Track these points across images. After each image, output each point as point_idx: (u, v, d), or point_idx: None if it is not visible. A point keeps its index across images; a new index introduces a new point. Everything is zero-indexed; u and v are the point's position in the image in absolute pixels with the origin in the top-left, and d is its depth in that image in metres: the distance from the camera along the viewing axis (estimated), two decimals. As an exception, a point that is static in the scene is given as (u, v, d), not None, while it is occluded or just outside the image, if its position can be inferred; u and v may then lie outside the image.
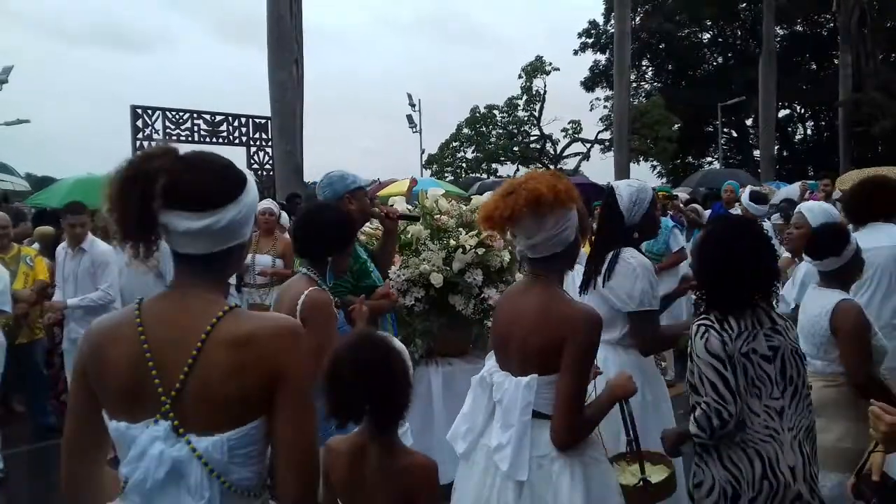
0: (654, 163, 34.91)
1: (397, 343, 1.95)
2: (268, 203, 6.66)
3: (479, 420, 2.43)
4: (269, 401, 1.43)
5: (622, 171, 19.62)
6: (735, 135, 36.52)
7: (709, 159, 37.15)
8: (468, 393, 2.54)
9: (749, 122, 34.91)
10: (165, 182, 1.40)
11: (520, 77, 36.65)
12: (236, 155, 12.66)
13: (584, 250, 3.23)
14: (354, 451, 1.89)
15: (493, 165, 37.54)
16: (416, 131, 34.64)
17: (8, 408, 6.65)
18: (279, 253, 6.40)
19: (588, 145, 36.79)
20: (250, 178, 1.58)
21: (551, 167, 36.24)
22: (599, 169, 45.70)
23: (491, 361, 2.47)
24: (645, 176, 32.92)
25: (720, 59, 37.06)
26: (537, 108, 36.97)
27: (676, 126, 31.68)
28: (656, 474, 2.44)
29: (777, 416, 2.32)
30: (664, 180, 33.17)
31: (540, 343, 2.20)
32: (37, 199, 10.93)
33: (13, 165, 12.95)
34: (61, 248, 5.59)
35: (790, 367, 2.35)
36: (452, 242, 4.02)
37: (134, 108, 11.91)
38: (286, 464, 1.44)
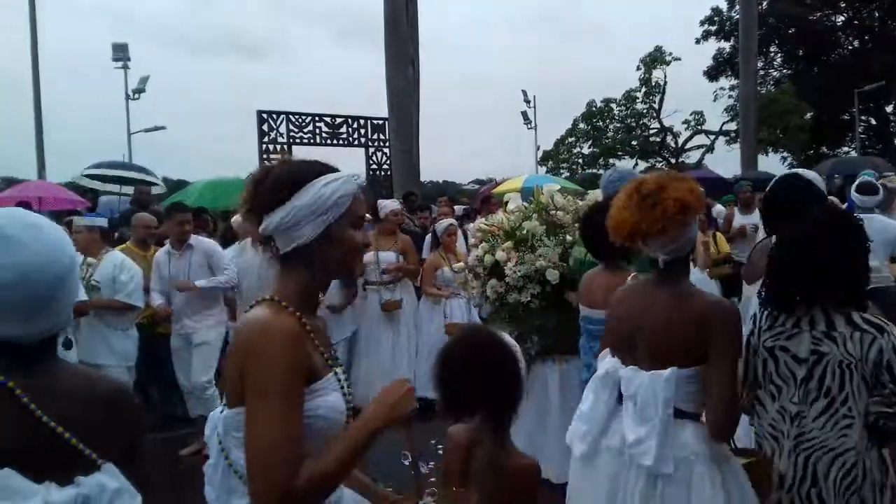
0: (785, 154, 33.04)
1: (508, 338, 1.93)
2: (394, 204, 6.98)
3: (600, 419, 2.37)
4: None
5: (749, 163, 18.67)
6: (874, 122, 33.97)
7: (845, 149, 34.71)
8: (586, 392, 2.48)
9: (889, 108, 32.40)
10: (248, 191, 1.61)
11: (638, 69, 35.63)
12: (355, 156, 13.04)
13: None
14: (470, 443, 1.89)
15: (611, 160, 36.69)
16: (530, 128, 34.49)
17: (146, 396, 7.11)
18: (401, 250, 6.62)
19: (712, 137, 35.25)
20: (323, 179, 1.57)
21: (672, 161, 35.08)
22: (724, 161, 43.72)
23: (609, 360, 2.41)
24: (774, 168, 31.18)
25: (856, 43, 34.53)
26: (657, 100, 35.79)
27: (808, 115, 29.84)
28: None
29: (789, 420, 2.20)
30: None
31: (682, 337, 2.15)
32: (172, 201, 11.66)
33: (151, 169, 13.89)
34: (162, 252, 5.85)
35: (831, 379, 2.14)
36: (569, 238, 3.95)
37: (260, 113, 12.45)
38: (246, 465, 1.44)
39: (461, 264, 5.77)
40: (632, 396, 2.25)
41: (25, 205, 9.64)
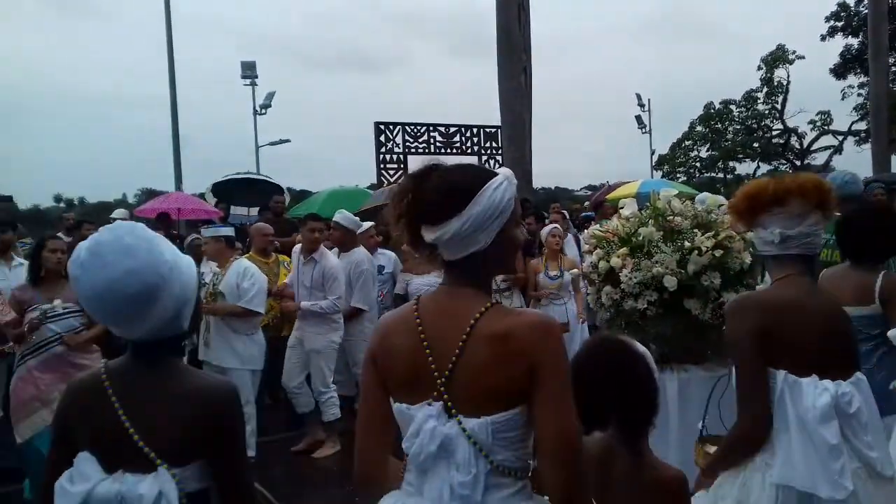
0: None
1: (639, 346, 1.91)
2: None
3: (844, 450, 2.18)
4: (527, 390, 1.52)
5: (881, 165, 17.46)
6: None
7: None
8: (821, 428, 2.16)
9: None
10: (407, 201, 1.62)
11: (759, 68, 34.10)
12: (468, 164, 13.17)
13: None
14: (603, 455, 1.87)
15: (731, 164, 35.25)
16: (645, 132, 33.69)
17: (274, 396, 7.46)
18: None
19: (840, 138, 33.21)
20: (491, 185, 1.60)
21: (797, 163, 33.31)
22: (854, 163, 41.00)
23: (807, 380, 2.18)
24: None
25: None
26: (779, 100, 34.12)
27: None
28: None
29: None
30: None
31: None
32: (297, 211, 12.23)
33: (277, 180, 14.62)
34: (296, 251, 6.15)
35: None
36: (687, 244, 3.89)
37: (377, 124, 12.87)
38: (544, 456, 1.51)
39: (576, 270, 5.78)
40: (856, 413, 2.17)
41: (165, 216, 10.38)
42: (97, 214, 18.09)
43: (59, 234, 8.39)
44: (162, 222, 9.93)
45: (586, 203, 17.19)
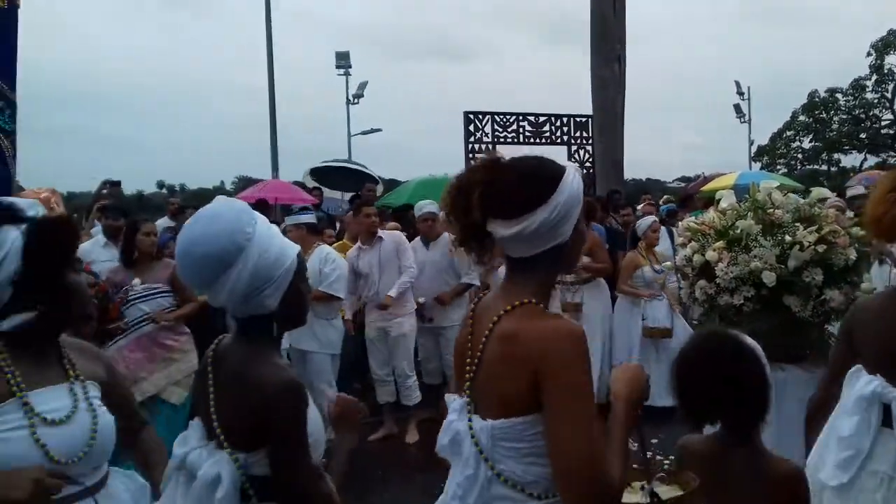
0: None
1: (749, 340, 1.85)
2: None
3: (865, 444, 2.19)
4: (537, 402, 1.43)
5: None
6: None
7: None
8: (846, 416, 2.26)
9: None
10: (479, 194, 1.51)
11: (868, 55, 32.26)
12: (558, 154, 13.04)
13: None
14: (713, 455, 1.82)
15: (835, 155, 33.53)
16: (744, 122, 32.40)
17: (364, 383, 7.61)
18: (586, 250, 6.45)
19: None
20: (569, 174, 1.56)
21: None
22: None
23: (870, 378, 2.20)
24: None
25: None
26: (890, 88, 32.18)
27: None
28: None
29: None
30: None
31: None
32: (386, 200, 12.43)
33: (367, 169, 14.91)
34: (353, 251, 6.19)
35: None
36: (788, 238, 3.75)
37: (466, 113, 12.87)
38: (555, 470, 1.42)
39: (668, 263, 5.64)
40: None
41: (263, 202, 10.76)
42: (197, 200, 18.90)
43: (165, 217, 8.83)
44: (260, 209, 10.27)
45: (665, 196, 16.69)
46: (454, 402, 1.63)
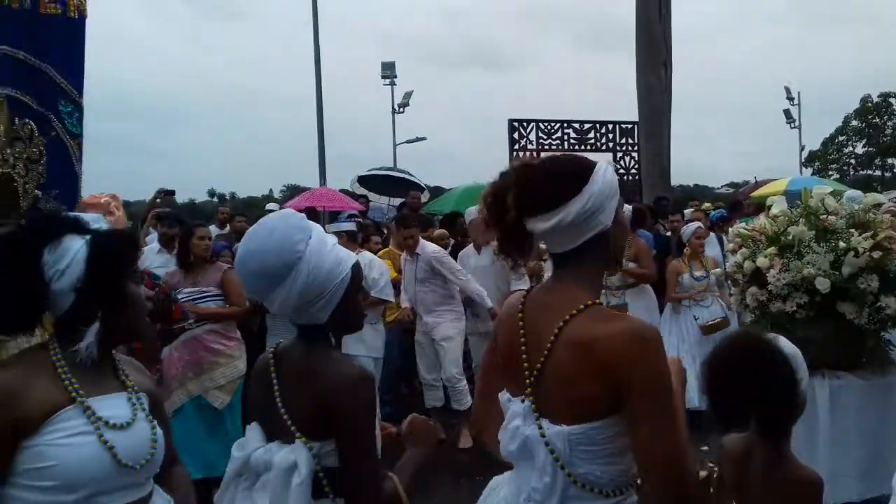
0: None
1: (786, 343, 1.84)
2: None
3: None
4: (616, 405, 1.44)
5: None
6: None
7: None
8: None
9: None
10: (514, 194, 1.55)
11: (927, 56, 31.27)
12: (602, 160, 12.97)
13: None
14: (741, 454, 1.83)
15: (889, 160, 32.60)
16: (794, 127, 31.78)
17: (411, 387, 7.65)
18: (631, 256, 6.44)
19: None
20: (601, 166, 1.60)
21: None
22: None
23: None
24: None
25: None
26: (949, 91, 31.21)
27: None
28: None
29: None
30: None
31: None
32: (432, 207, 12.52)
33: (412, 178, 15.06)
34: (403, 257, 6.31)
35: None
36: (842, 244, 3.68)
37: (511, 121, 12.88)
38: (645, 480, 1.46)
39: (718, 269, 5.57)
40: None
41: (311, 210, 10.94)
42: (247, 209, 19.29)
43: (213, 226, 9.02)
44: (308, 217, 10.45)
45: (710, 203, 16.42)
46: (512, 405, 1.61)
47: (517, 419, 1.57)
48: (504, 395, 1.66)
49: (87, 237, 1.67)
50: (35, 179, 2.00)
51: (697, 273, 6.53)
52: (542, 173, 1.57)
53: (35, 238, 1.62)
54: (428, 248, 6.15)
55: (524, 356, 1.57)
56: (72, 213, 1.77)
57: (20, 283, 1.57)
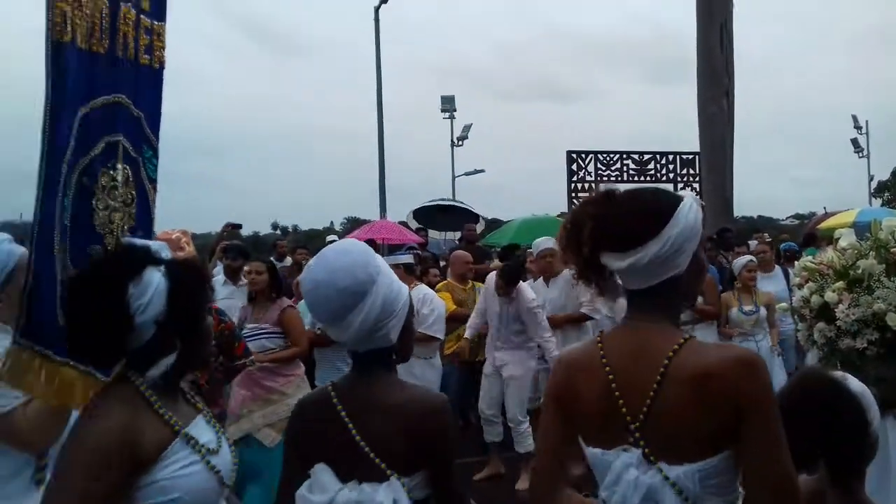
0: None
1: (855, 383, 1.80)
2: None
3: None
4: (735, 432, 1.42)
5: None
6: None
7: None
8: None
9: None
10: (590, 227, 1.51)
11: None
12: (663, 192, 12.84)
13: None
14: (814, 496, 1.77)
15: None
16: (862, 156, 30.87)
17: (466, 421, 7.61)
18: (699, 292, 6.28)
19: None
20: (685, 204, 1.54)
21: None
22: None
23: None
24: None
25: None
26: None
27: None
28: None
29: None
30: None
31: None
32: (490, 239, 12.56)
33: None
34: (491, 292, 6.16)
35: None
36: (915, 279, 3.57)
37: (569, 153, 12.91)
38: (755, 494, 1.42)
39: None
40: None
41: (371, 242, 11.13)
42: (308, 241, 19.67)
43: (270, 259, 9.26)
44: (369, 248, 10.66)
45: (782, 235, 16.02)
46: (615, 457, 1.51)
47: (631, 471, 1.48)
48: (594, 451, 1.57)
49: (162, 268, 1.70)
50: (127, 223, 2.11)
51: (747, 308, 6.39)
52: (620, 210, 1.53)
53: (121, 272, 1.65)
54: (527, 294, 5.94)
55: (622, 404, 1.50)
56: (141, 243, 1.79)
57: (111, 318, 1.61)
